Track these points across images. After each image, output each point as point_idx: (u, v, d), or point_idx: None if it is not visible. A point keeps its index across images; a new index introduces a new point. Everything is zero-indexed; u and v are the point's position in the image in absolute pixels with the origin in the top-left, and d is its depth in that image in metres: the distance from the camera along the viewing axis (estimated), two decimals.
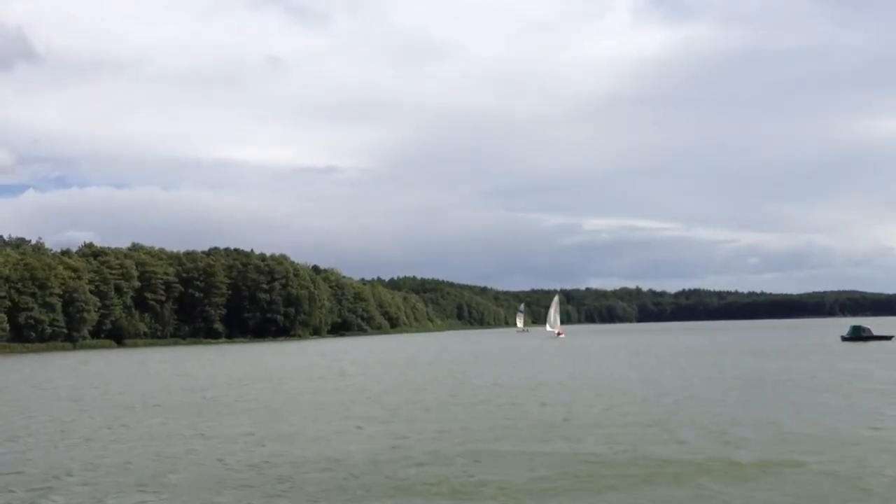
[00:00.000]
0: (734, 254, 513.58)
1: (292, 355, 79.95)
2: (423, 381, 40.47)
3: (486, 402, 28.69)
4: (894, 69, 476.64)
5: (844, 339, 76.54)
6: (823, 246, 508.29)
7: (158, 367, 60.61)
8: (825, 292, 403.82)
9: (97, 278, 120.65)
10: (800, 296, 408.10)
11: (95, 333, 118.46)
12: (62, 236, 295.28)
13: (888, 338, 74.69)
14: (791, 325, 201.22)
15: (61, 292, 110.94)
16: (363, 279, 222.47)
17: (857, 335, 76.23)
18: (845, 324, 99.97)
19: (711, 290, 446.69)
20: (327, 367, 55.77)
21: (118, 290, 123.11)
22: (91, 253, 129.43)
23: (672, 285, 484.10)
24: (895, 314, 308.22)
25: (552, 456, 17.24)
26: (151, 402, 31.70)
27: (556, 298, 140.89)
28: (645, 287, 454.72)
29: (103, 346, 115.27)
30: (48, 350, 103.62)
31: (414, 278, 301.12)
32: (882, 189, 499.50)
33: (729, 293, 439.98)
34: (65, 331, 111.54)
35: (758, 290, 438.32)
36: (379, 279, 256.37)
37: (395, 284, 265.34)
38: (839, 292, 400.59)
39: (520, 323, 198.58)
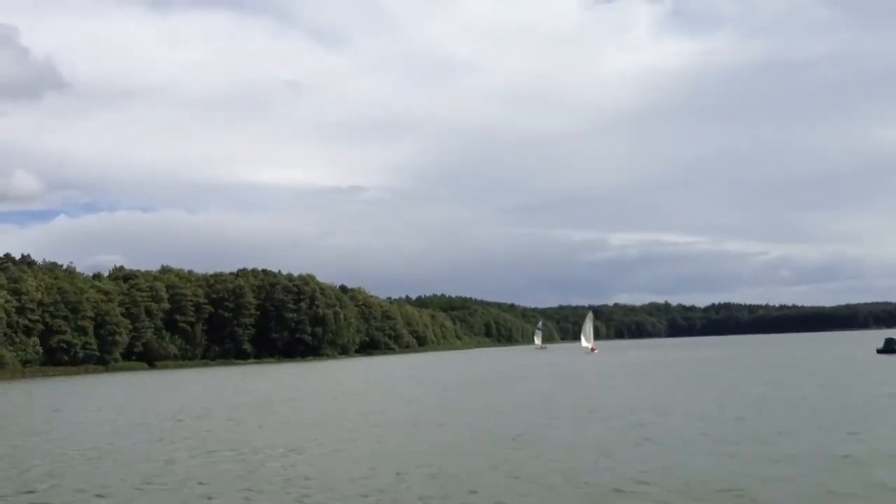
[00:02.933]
0: (764, 266, 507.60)
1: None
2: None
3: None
4: None
5: (880, 351, 75.18)
6: (855, 256, 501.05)
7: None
8: (858, 304, 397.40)
9: (128, 301, 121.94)
10: (833, 308, 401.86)
11: (127, 356, 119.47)
12: (93, 260, 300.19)
13: None
14: (825, 337, 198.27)
15: (93, 315, 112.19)
16: (390, 298, 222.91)
17: (891, 348, 74.82)
18: (880, 336, 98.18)
19: (742, 303, 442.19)
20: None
21: (148, 312, 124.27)
22: (121, 276, 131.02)
23: (702, 300, 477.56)
24: None
25: None
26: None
27: (590, 315, 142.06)
28: (674, 302, 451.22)
29: (134, 368, 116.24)
30: (80, 373, 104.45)
31: (441, 296, 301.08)
32: None
33: (760, 307, 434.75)
34: (97, 353, 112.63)
35: (789, 303, 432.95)
36: (406, 297, 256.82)
37: (422, 303, 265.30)
38: (872, 304, 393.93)
39: (538, 340, 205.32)
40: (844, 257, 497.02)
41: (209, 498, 15.92)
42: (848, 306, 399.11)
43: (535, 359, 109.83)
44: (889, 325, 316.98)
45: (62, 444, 26.33)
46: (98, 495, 16.87)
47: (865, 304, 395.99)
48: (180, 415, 36.11)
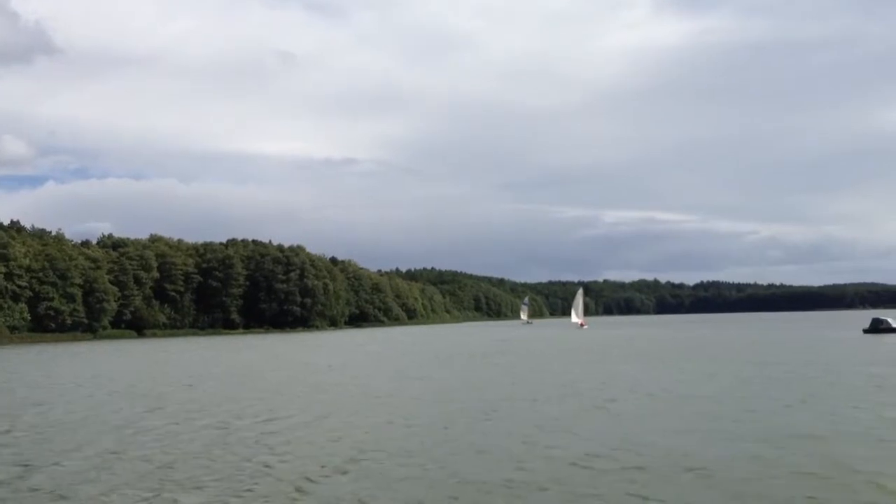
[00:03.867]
0: (754, 246, 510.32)
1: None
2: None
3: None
4: None
5: (866, 331, 75.73)
6: (844, 238, 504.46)
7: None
8: (846, 284, 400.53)
9: (117, 269, 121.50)
10: (820, 288, 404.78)
11: (115, 324, 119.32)
12: (82, 227, 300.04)
13: None
14: (813, 317, 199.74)
15: (81, 282, 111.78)
16: (380, 270, 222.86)
17: (877, 328, 75.36)
18: (866, 316, 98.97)
19: (731, 282, 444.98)
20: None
21: (137, 280, 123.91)
22: (111, 244, 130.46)
23: (691, 277, 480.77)
24: None
25: None
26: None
27: (581, 291, 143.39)
28: (663, 279, 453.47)
29: (123, 336, 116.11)
30: (68, 340, 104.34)
31: (432, 270, 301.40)
32: None
33: (748, 285, 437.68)
34: (85, 321, 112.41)
35: (777, 283, 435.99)
36: (397, 270, 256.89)
37: (412, 276, 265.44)
38: (859, 284, 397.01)
39: (524, 315, 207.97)
40: (833, 238, 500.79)
41: (170, 467, 15.87)
42: (835, 286, 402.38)
43: (521, 333, 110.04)
44: (875, 306, 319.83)
45: (43, 410, 26.30)
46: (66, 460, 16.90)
47: (853, 284, 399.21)
48: (163, 384, 36.09)
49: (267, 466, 15.75)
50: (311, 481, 14.30)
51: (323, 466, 15.58)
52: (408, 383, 34.01)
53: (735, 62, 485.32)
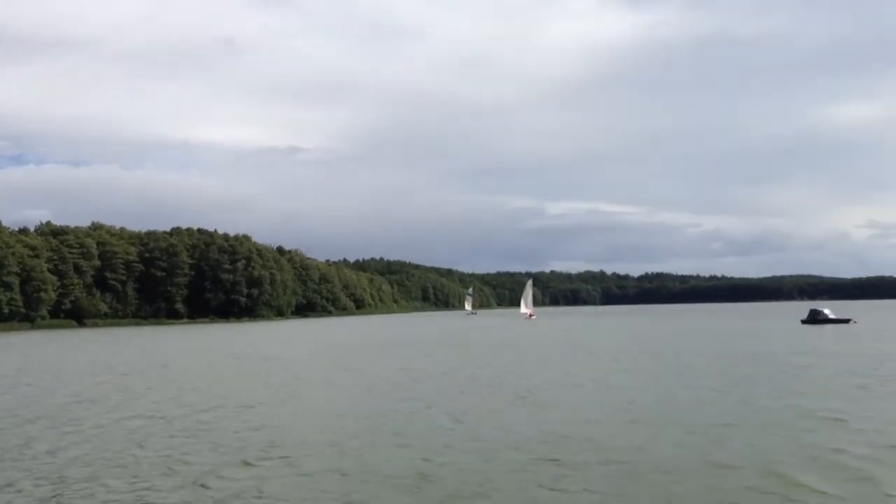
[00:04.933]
0: (697, 238, 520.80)
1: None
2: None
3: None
4: (853, 56, 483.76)
5: (804, 322, 77.84)
6: (783, 230, 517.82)
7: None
8: (784, 276, 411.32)
9: (56, 257, 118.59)
10: (759, 280, 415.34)
11: (55, 313, 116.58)
12: (19, 215, 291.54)
13: (846, 321, 76.06)
14: (752, 308, 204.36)
15: (19, 271, 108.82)
16: (328, 260, 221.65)
17: (815, 319, 77.54)
18: (804, 307, 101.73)
19: (674, 273, 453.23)
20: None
21: (78, 269, 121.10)
22: (50, 232, 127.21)
23: (636, 269, 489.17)
24: (852, 298, 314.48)
25: None
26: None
27: (530, 282, 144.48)
28: (609, 270, 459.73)
29: (62, 326, 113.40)
30: (5, 330, 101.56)
31: (380, 260, 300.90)
32: (840, 174, 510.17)
33: (691, 277, 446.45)
34: (22, 310, 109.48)
35: (719, 274, 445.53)
36: (345, 260, 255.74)
37: (360, 266, 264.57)
38: (798, 276, 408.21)
39: (468, 306, 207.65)
40: (772, 231, 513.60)
41: (72, 463, 15.61)
42: (774, 278, 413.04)
43: (465, 324, 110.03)
44: (812, 297, 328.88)
45: None
46: None
47: (791, 276, 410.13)
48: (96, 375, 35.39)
49: (169, 459, 15.58)
50: (215, 475, 14.12)
51: (231, 459, 15.51)
52: (334, 374, 33.89)
53: (678, 55, 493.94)
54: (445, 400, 23.74)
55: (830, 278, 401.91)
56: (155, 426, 19.77)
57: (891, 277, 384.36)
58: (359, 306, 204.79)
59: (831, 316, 78.15)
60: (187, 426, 19.64)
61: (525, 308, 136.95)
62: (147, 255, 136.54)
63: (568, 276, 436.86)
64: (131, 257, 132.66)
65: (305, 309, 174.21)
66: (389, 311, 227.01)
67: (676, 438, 16.56)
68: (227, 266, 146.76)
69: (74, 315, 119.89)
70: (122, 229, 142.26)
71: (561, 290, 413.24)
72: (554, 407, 21.73)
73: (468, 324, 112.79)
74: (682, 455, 14.93)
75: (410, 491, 12.79)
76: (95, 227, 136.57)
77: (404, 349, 51.79)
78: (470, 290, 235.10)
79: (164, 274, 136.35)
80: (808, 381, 27.20)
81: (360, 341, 64.47)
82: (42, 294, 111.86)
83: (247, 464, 14.95)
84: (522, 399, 23.47)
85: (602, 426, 18.30)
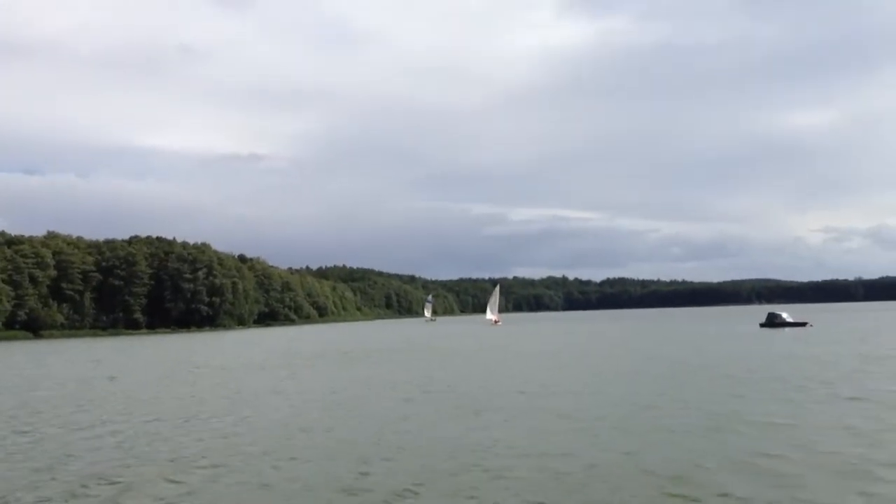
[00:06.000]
0: (657, 243, 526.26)
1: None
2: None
3: None
4: (806, 64, 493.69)
5: (762, 325, 79.12)
6: (741, 235, 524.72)
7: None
8: (743, 280, 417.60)
9: (10, 267, 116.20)
10: (719, 284, 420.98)
11: (9, 325, 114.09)
12: None
13: (802, 324, 77.48)
14: (712, 312, 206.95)
15: None
16: (290, 268, 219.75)
17: (773, 322, 78.88)
18: (762, 311, 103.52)
19: (635, 278, 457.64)
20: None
21: (33, 279, 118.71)
22: (4, 241, 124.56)
23: (597, 274, 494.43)
24: (808, 301, 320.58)
25: None
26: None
27: (497, 289, 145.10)
28: (571, 276, 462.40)
29: (17, 338, 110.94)
30: None
31: (343, 267, 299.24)
32: (796, 179, 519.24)
33: (652, 282, 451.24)
34: None
35: (679, 279, 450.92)
36: (307, 268, 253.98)
37: (323, 274, 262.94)
38: (756, 280, 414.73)
39: (427, 313, 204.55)
40: (730, 236, 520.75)
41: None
42: (733, 282, 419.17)
43: (424, 332, 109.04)
44: (770, 301, 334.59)
45: None
46: None
47: (749, 280, 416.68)
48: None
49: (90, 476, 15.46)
50: (136, 490, 14.14)
51: (159, 470, 15.58)
52: (282, 384, 33.64)
53: (636, 63, 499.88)
54: (385, 410, 23.76)
55: (788, 282, 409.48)
56: (89, 440, 19.64)
57: (846, 281, 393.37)
58: (322, 314, 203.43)
59: (789, 319, 79.65)
60: (121, 440, 19.53)
61: (491, 314, 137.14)
62: (105, 264, 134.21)
63: (531, 282, 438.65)
64: (88, 267, 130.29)
65: (268, 317, 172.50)
66: (353, 318, 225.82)
67: (609, 443, 16.78)
68: (187, 275, 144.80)
69: (30, 326, 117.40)
70: (78, 238, 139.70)
71: (524, 296, 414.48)
72: (493, 414, 21.86)
73: (428, 331, 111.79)
74: (608, 460, 15.17)
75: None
76: (51, 237, 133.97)
77: (361, 359, 51.45)
78: (429, 296, 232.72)
79: (122, 283, 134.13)
80: (755, 385, 27.56)
81: (313, 352, 63.85)
82: None
83: (171, 480, 14.83)
84: (462, 408, 23.52)
85: (537, 433, 18.44)
